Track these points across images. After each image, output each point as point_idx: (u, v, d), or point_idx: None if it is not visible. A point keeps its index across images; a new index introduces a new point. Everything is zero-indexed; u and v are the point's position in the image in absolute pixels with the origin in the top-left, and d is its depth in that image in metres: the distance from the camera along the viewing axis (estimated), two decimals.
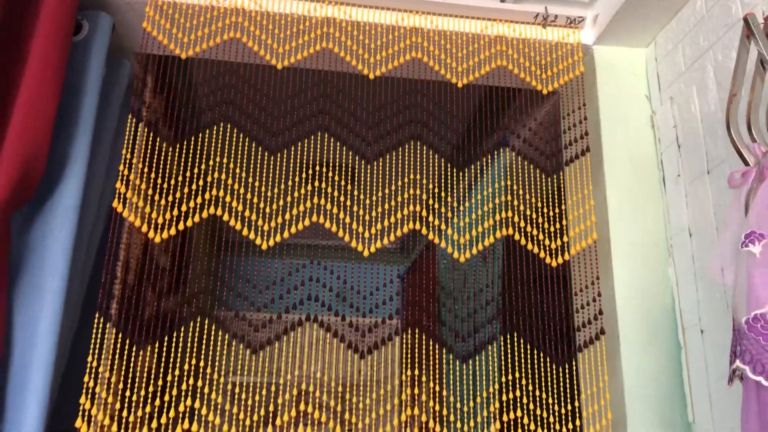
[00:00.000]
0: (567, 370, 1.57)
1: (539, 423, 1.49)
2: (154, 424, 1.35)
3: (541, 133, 1.81)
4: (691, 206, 1.60)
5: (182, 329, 1.44)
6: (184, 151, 1.55)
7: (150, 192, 1.49)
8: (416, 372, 1.59)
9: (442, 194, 1.67)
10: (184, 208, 1.50)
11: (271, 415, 1.42)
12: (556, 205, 1.69)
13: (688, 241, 1.59)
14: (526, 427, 1.49)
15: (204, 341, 1.45)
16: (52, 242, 1.42)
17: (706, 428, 1.45)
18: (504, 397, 1.51)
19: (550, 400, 1.52)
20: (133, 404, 1.37)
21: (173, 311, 1.51)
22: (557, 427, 1.49)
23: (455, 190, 1.72)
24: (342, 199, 1.58)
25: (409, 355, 1.59)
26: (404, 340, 1.60)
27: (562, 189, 1.75)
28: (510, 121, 1.85)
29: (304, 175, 1.57)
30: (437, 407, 1.52)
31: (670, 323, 1.58)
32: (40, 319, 1.37)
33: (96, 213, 1.54)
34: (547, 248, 1.64)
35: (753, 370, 1.01)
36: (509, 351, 1.57)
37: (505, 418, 1.49)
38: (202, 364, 1.41)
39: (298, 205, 1.56)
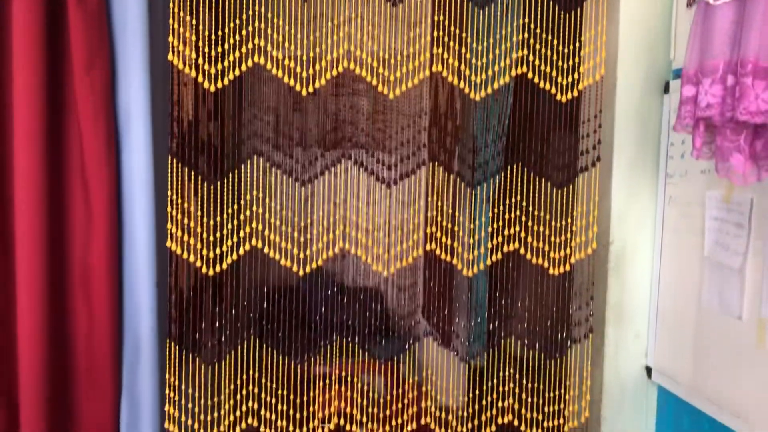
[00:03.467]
0: (573, 15, 1.82)
1: (537, 55, 1.81)
2: (232, 57, 1.71)
3: None
4: None
5: None
6: None
7: None
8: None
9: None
10: None
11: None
12: None
13: None
14: (525, 61, 1.81)
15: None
16: None
17: (682, 62, 1.75)
18: (502, 47, 1.81)
19: (555, 41, 1.81)
20: (212, 42, 1.72)
21: None
22: (554, 60, 1.81)
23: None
24: None
25: None
26: None
27: None
28: None
29: None
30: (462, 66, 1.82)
31: None
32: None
33: None
34: None
35: None
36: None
37: (502, 64, 1.80)
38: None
39: None
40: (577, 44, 1.82)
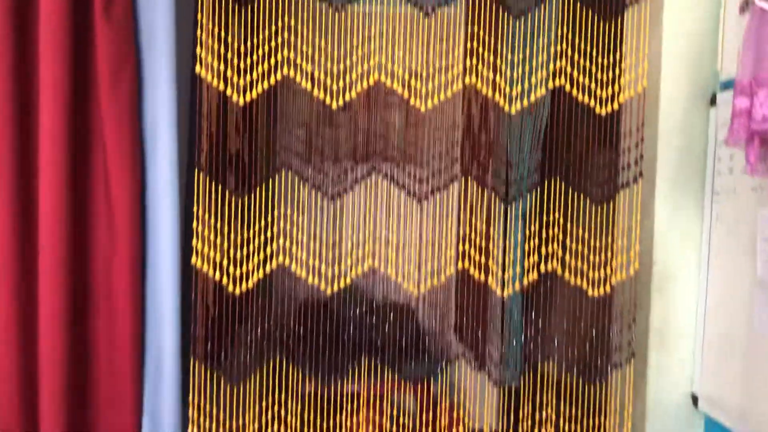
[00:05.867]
0: (613, 24, 1.75)
1: (576, 67, 1.73)
2: (260, 69, 1.67)
3: None
4: None
5: None
6: None
7: None
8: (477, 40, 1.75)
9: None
10: None
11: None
12: None
13: None
14: (564, 73, 1.74)
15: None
16: None
17: (731, 74, 1.66)
18: (539, 59, 1.73)
19: (594, 52, 1.73)
20: (242, 53, 1.68)
21: None
22: (593, 71, 1.73)
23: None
24: None
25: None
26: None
27: None
28: None
29: None
30: (497, 78, 1.76)
31: None
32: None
33: None
34: None
35: None
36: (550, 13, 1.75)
37: (538, 76, 1.73)
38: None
39: None
40: (618, 55, 1.75)
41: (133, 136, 1.65)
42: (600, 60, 1.74)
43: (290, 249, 1.75)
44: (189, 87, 1.72)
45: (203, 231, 1.69)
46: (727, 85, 1.70)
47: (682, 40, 1.73)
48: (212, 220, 1.70)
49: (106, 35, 1.55)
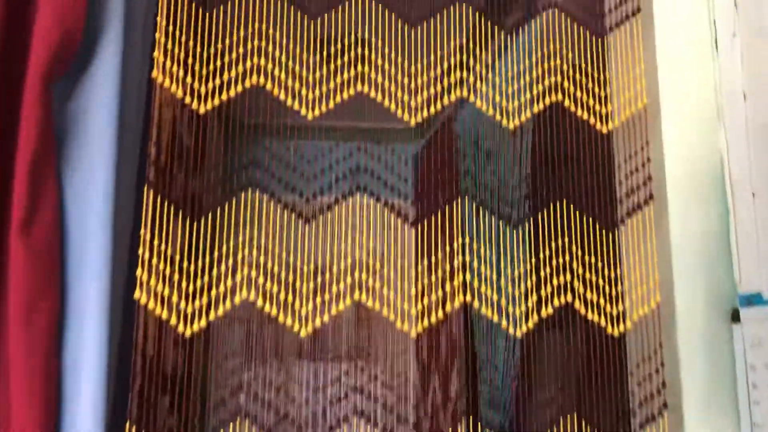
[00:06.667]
0: (612, 234, 1.57)
1: (581, 281, 1.52)
2: (213, 293, 1.37)
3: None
4: (746, 67, 1.55)
5: (233, 202, 1.43)
6: (221, 16, 1.48)
7: (190, 61, 1.44)
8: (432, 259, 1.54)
9: (485, 56, 1.60)
10: (226, 77, 1.45)
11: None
12: (602, 71, 1.64)
13: (741, 103, 1.56)
14: (570, 288, 1.52)
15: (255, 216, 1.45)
16: (95, 114, 1.38)
17: (752, 287, 1.48)
18: (541, 273, 1.52)
19: (597, 262, 1.53)
20: (191, 274, 1.39)
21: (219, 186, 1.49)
22: (600, 285, 1.52)
23: (495, 52, 1.64)
24: (387, 66, 1.53)
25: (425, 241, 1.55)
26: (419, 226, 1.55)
27: (606, 53, 1.68)
28: None
29: (346, 42, 1.51)
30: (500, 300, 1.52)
31: (719, 187, 1.57)
32: (91, 191, 1.35)
33: (137, 85, 1.49)
34: (593, 111, 1.60)
35: None
36: (545, 223, 1.56)
37: (542, 293, 1.51)
38: (255, 234, 1.41)
39: (342, 73, 1.51)
40: (623, 267, 1.56)
41: (47, 381, 1.28)
42: (606, 272, 1.54)
43: None
44: (122, 316, 1.39)
45: None
46: (750, 300, 1.51)
47: (691, 251, 1.55)
48: None
49: (21, 259, 1.23)
